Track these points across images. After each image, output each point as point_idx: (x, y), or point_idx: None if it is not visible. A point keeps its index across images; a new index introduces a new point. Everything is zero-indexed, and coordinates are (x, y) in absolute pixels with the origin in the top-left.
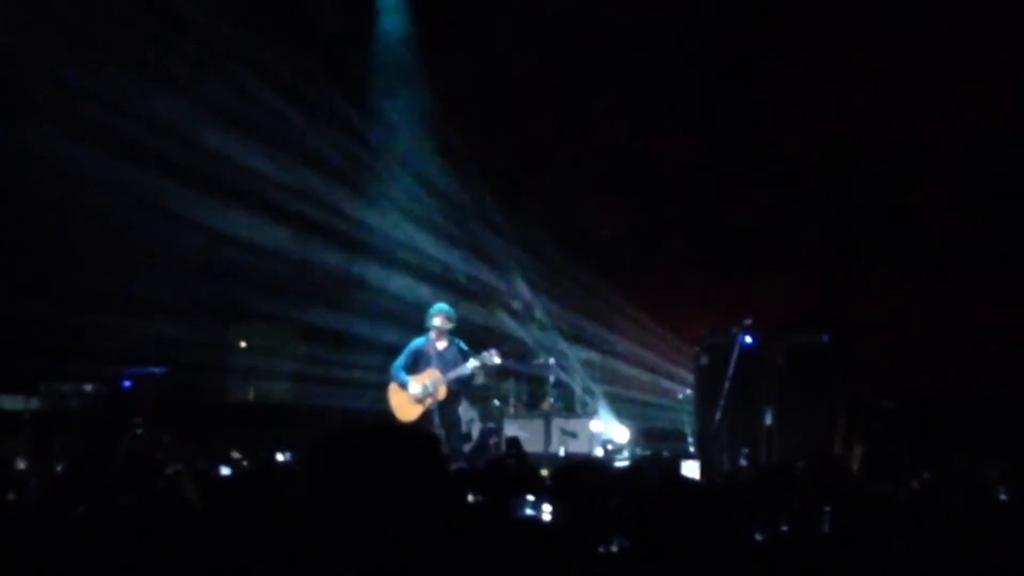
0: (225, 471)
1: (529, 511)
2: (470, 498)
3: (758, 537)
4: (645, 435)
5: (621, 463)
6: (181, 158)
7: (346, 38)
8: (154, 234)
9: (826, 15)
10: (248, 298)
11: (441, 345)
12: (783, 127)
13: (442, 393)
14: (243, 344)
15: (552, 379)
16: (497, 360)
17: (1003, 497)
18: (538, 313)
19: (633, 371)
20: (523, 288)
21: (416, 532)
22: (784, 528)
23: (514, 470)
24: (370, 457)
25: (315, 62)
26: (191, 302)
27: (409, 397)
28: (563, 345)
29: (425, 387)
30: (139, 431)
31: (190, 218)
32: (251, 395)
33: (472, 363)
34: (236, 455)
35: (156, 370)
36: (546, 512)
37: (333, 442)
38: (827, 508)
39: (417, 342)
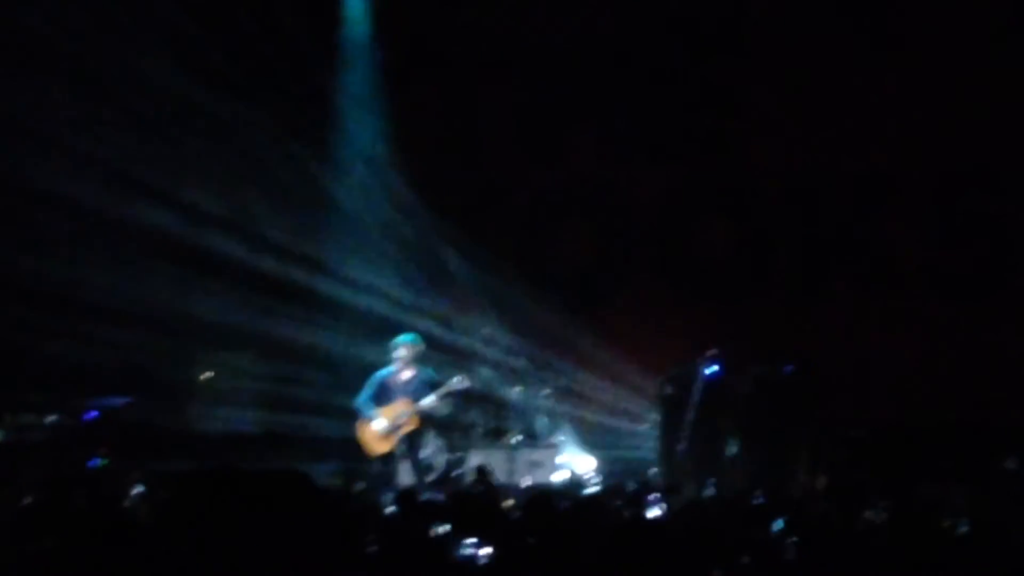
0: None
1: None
2: (434, 530)
3: (716, 574)
4: (610, 465)
5: (586, 493)
6: (136, 180)
7: (311, 68)
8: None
9: (793, 50)
10: (211, 327)
11: (407, 375)
12: (749, 158)
13: (413, 423)
14: (208, 374)
15: (517, 409)
16: (466, 384)
17: (964, 528)
18: (503, 343)
19: (598, 401)
20: (488, 318)
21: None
22: (745, 560)
23: (481, 499)
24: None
25: (278, 88)
26: (154, 332)
27: (378, 431)
28: (528, 375)
29: (395, 418)
30: (104, 461)
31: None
32: (217, 424)
33: (442, 390)
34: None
35: (120, 401)
36: (484, 556)
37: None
38: (792, 539)
39: (380, 374)
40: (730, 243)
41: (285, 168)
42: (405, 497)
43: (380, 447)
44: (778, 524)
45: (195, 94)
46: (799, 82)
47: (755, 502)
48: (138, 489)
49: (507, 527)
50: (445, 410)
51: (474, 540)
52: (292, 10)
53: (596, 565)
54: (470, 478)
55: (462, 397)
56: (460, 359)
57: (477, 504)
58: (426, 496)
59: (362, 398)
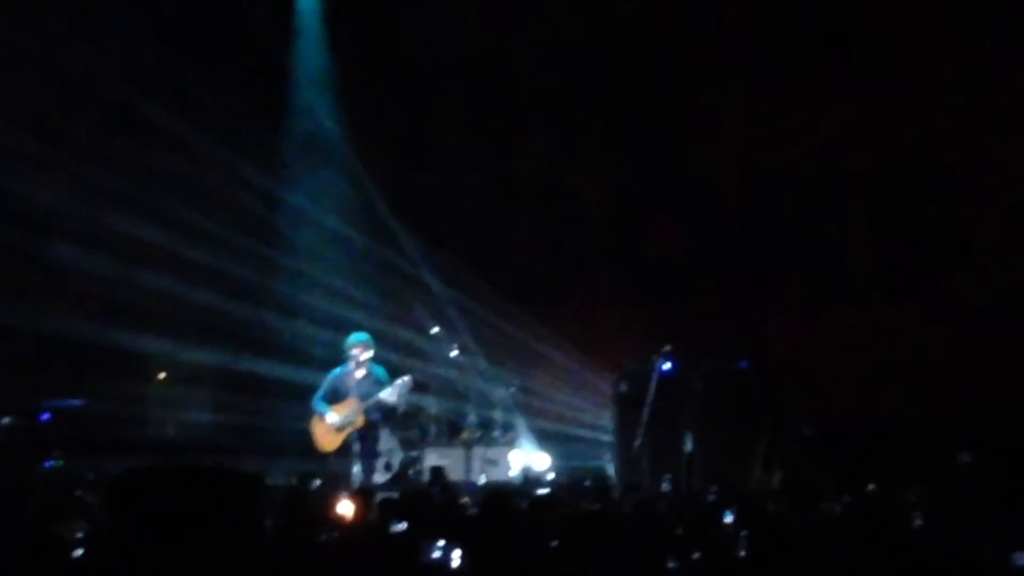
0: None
1: (437, 554)
2: (393, 528)
3: (671, 564)
4: (565, 463)
5: (542, 491)
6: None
7: (263, 72)
8: (69, 268)
9: (744, 50)
10: (166, 330)
11: (359, 374)
12: (701, 157)
13: (360, 422)
14: (162, 376)
15: (472, 407)
16: (411, 385)
17: (918, 522)
18: (457, 341)
19: (553, 399)
20: (443, 318)
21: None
22: (696, 555)
23: (437, 500)
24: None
25: (229, 99)
26: (108, 334)
27: (328, 427)
28: (483, 373)
29: (344, 416)
30: (59, 463)
31: (104, 251)
32: (171, 428)
33: (387, 391)
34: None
35: (75, 403)
36: (455, 558)
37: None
38: (744, 533)
39: (336, 372)
40: (683, 241)
41: (237, 169)
42: (361, 495)
43: (329, 444)
44: (728, 516)
45: (144, 102)
46: (749, 82)
47: (710, 498)
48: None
49: (465, 525)
50: (400, 408)
51: (442, 543)
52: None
53: (552, 560)
54: (426, 478)
55: (416, 395)
56: (413, 358)
57: (434, 502)
58: (382, 495)
59: (317, 395)
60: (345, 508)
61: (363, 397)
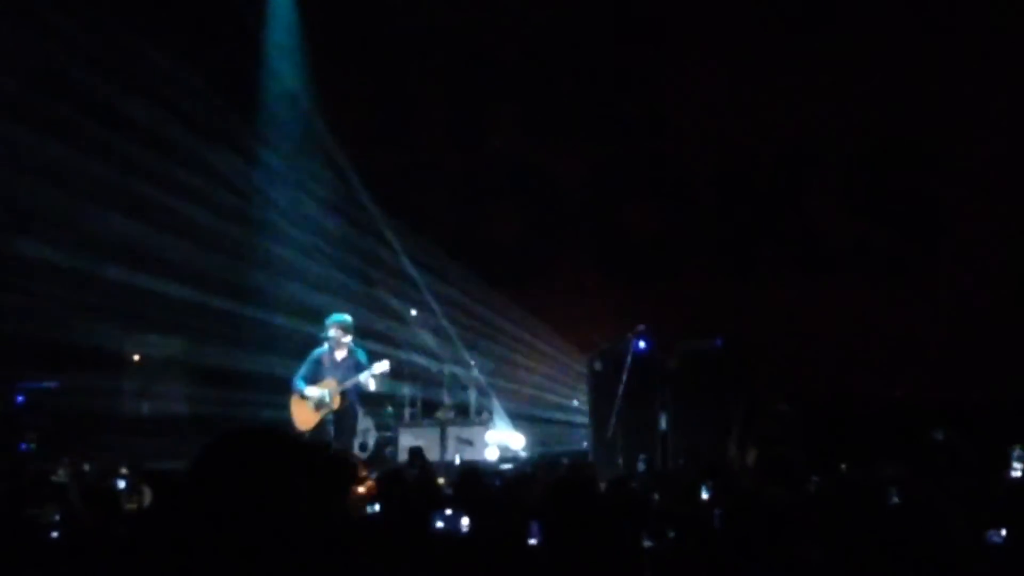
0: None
1: (441, 523)
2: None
3: (647, 543)
4: (540, 442)
5: (517, 470)
6: (69, 172)
7: (233, 55)
8: (42, 247)
9: (719, 29)
10: (141, 310)
11: (340, 355)
12: (677, 137)
13: (337, 403)
14: (136, 357)
15: (447, 387)
16: (387, 369)
17: (895, 499)
18: (432, 322)
19: (528, 378)
20: (418, 299)
21: (307, 540)
22: (671, 534)
23: (415, 480)
24: (264, 460)
25: (201, 81)
26: (82, 314)
27: (306, 406)
28: (458, 353)
29: (322, 396)
30: (32, 445)
31: (78, 231)
32: (145, 409)
33: (366, 374)
34: (124, 470)
35: (49, 384)
36: (463, 526)
37: (226, 442)
38: (718, 511)
39: (317, 352)
40: (657, 221)
41: (209, 153)
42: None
43: (306, 422)
44: (704, 493)
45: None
46: (725, 62)
47: (685, 476)
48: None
49: (441, 505)
50: (375, 389)
51: (450, 512)
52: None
53: (526, 539)
54: (403, 459)
55: (392, 376)
56: (390, 340)
57: (412, 483)
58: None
59: (298, 374)
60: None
61: (342, 378)
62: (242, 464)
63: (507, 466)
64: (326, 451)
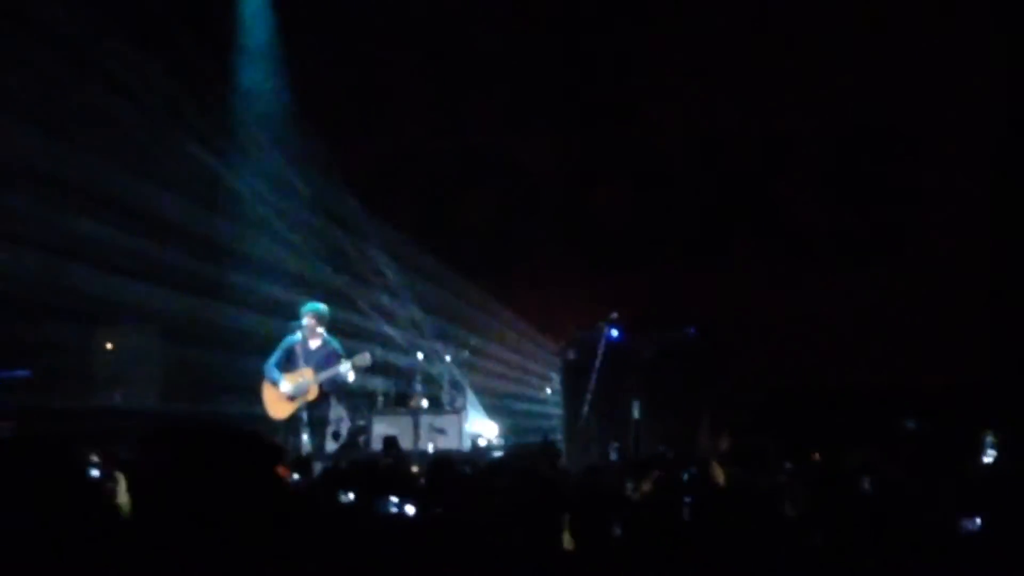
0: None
1: (393, 510)
2: (342, 497)
3: (617, 531)
4: (513, 430)
5: (491, 458)
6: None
7: (205, 36)
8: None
9: (692, 14)
10: (112, 299)
11: (314, 344)
12: (651, 125)
13: (313, 393)
14: (109, 346)
15: (420, 376)
16: (368, 362)
17: (867, 487)
18: (405, 311)
19: (501, 367)
20: (390, 287)
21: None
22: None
23: (389, 469)
24: (198, 456)
25: (171, 63)
26: (52, 303)
27: (281, 395)
28: (430, 342)
29: (297, 385)
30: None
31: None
32: (118, 399)
33: (345, 365)
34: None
35: (20, 373)
36: (409, 511)
37: (162, 439)
38: (688, 499)
39: (290, 339)
40: (631, 208)
41: (180, 144)
42: (302, 464)
43: (280, 412)
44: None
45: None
46: (698, 46)
47: (657, 465)
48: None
49: (414, 493)
50: (351, 380)
51: (396, 500)
52: None
53: (497, 527)
54: (376, 447)
55: (364, 375)
56: (362, 333)
57: (385, 472)
58: (329, 464)
59: (270, 361)
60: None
61: (317, 368)
62: (175, 459)
63: (481, 455)
64: (254, 441)
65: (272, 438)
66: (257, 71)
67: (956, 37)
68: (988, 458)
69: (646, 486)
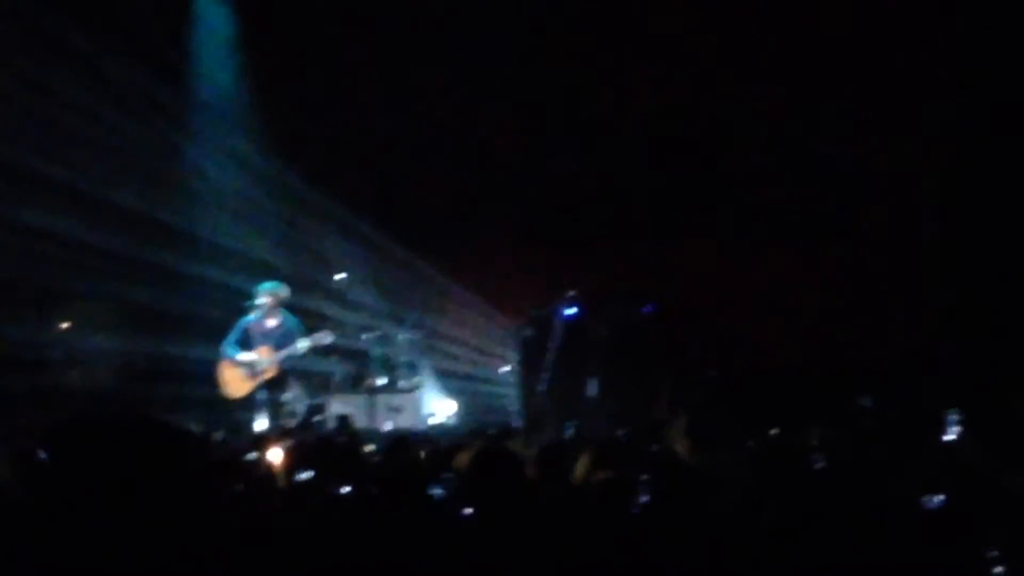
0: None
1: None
2: (300, 476)
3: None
4: (470, 409)
5: (447, 437)
6: None
7: (156, 17)
8: None
9: None
10: (67, 279)
11: (271, 323)
12: (603, 102)
13: (271, 371)
14: (65, 325)
15: (376, 354)
16: (329, 340)
17: (820, 464)
18: (359, 289)
19: (458, 346)
20: (344, 265)
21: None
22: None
23: (342, 447)
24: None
25: (127, 44)
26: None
27: (239, 373)
28: (386, 320)
29: (253, 366)
30: None
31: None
32: (75, 380)
33: (304, 343)
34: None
35: None
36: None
37: (71, 431)
38: (643, 476)
39: (247, 319)
40: (586, 185)
41: (135, 124)
42: (260, 442)
43: (237, 390)
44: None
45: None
46: (651, 23)
47: (614, 443)
48: None
49: (367, 471)
50: (309, 358)
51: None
52: None
53: (451, 507)
54: (331, 425)
55: (319, 356)
56: (318, 311)
57: (339, 450)
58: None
59: (228, 340)
60: (274, 456)
61: (276, 346)
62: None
63: (437, 434)
64: (168, 432)
65: (195, 432)
66: (209, 53)
67: (908, 13)
68: (951, 435)
69: (580, 469)
